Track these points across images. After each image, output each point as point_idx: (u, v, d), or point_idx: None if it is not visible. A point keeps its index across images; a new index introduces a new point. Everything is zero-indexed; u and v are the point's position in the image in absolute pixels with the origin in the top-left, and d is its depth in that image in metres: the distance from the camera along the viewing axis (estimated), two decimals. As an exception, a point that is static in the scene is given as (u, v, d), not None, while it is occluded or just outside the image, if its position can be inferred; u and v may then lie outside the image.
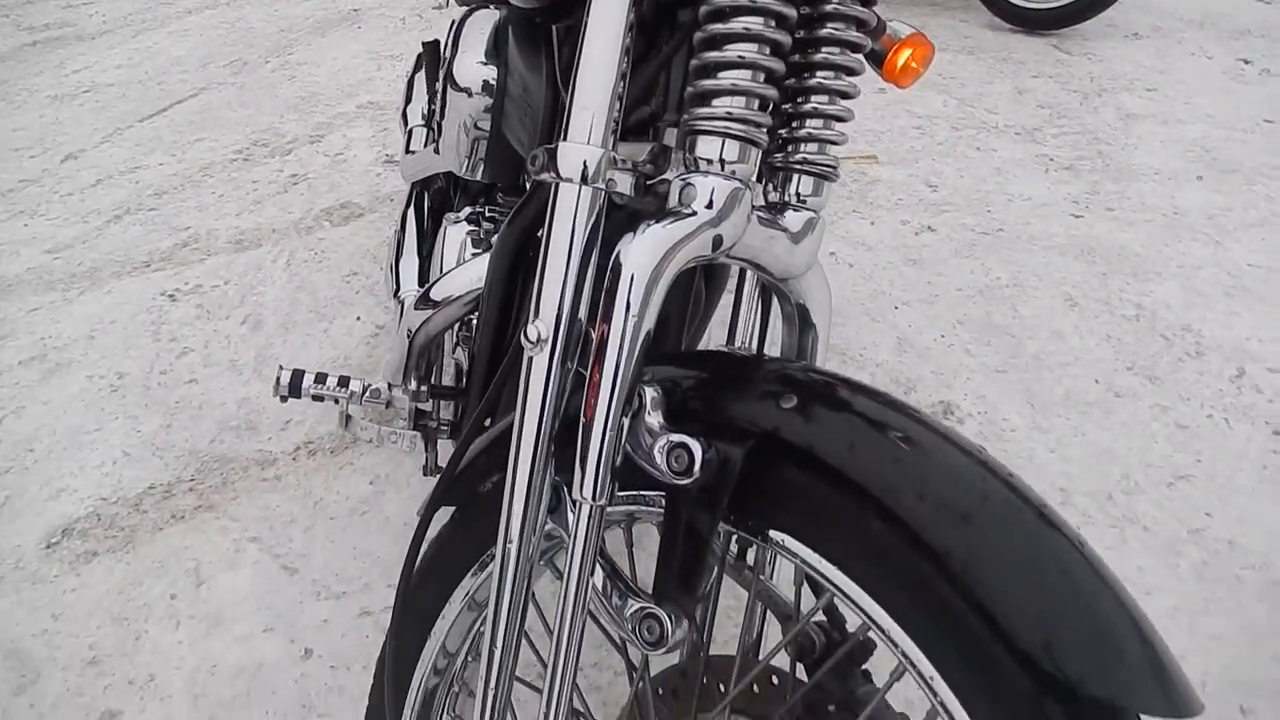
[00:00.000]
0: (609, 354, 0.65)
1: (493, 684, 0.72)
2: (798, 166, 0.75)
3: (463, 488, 0.86)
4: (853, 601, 0.63)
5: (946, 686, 0.58)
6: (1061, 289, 2.07)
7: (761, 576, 0.85)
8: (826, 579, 0.64)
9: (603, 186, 0.68)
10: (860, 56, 0.73)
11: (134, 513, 1.59)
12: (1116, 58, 3.16)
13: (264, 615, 1.42)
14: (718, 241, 0.68)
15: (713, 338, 1.10)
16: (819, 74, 0.71)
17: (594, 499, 0.65)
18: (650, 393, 0.67)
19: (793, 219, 0.76)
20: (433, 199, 1.68)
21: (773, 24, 0.66)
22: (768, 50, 0.66)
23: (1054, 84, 2.98)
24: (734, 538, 0.80)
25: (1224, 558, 1.46)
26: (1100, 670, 0.52)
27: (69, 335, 2.01)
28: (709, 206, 0.67)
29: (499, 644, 0.72)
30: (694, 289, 1.03)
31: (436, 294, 1.15)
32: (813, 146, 0.74)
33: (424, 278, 1.53)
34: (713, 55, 0.67)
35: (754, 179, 0.72)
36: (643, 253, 0.65)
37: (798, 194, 0.76)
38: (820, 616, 0.83)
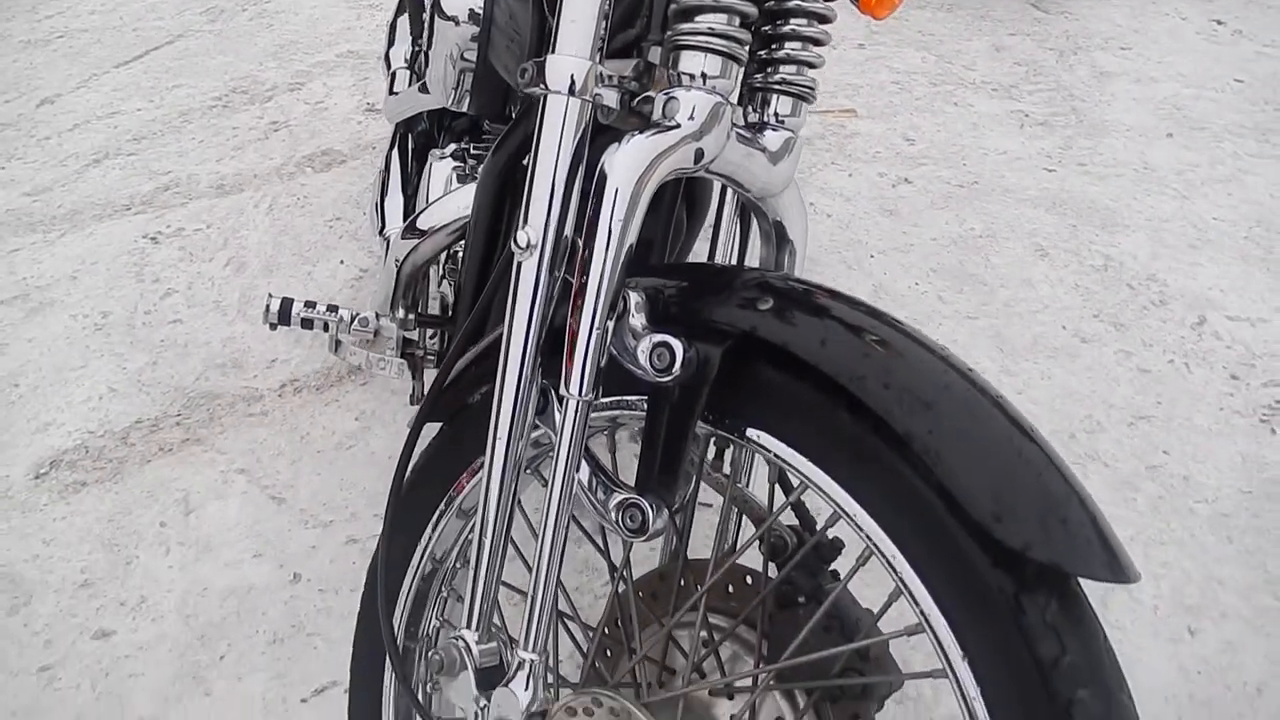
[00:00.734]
0: (595, 257, 0.68)
1: (480, 585, 0.75)
2: (776, 87, 0.78)
3: (452, 400, 0.90)
4: (822, 491, 0.67)
5: (907, 565, 0.63)
6: (1033, 240, 2.12)
7: (738, 484, 0.90)
8: (799, 471, 0.69)
9: (590, 99, 0.71)
10: (837, -21, 0.76)
11: (121, 445, 1.62)
12: (1092, 16, 3.19)
13: (253, 542, 1.46)
14: (699, 155, 0.72)
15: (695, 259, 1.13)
16: (797, -5, 0.75)
17: (580, 394, 0.69)
18: (634, 297, 0.71)
19: (771, 138, 0.79)
20: (416, 140, 1.70)
21: (754, -57, 0.69)
22: (749, -32, 0.70)
23: (1031, 42, 3.01)
24: (711, 441, 0.85)
25: (1179, 492, 1.52)
26: (1046, 538, 0.56)
27: (51, 275, 2.01)
28: (691, 119, 0.70)
29: (488, 544, 0.75)
30: (675, 215, 1.06)
31: (423, 223, 1.17)
32: (791, 68, 0.77)
33: (409, 215, 1.56)
34: (696, -29, 0.70)
35: (734, 98, 0.75)
36: (627, 162, 0.68)
37: (776, 114, 0.80)
38: (793, 520, 0.88)
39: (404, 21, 1.87)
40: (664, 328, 0.69)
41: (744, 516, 0.92)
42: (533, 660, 0.71)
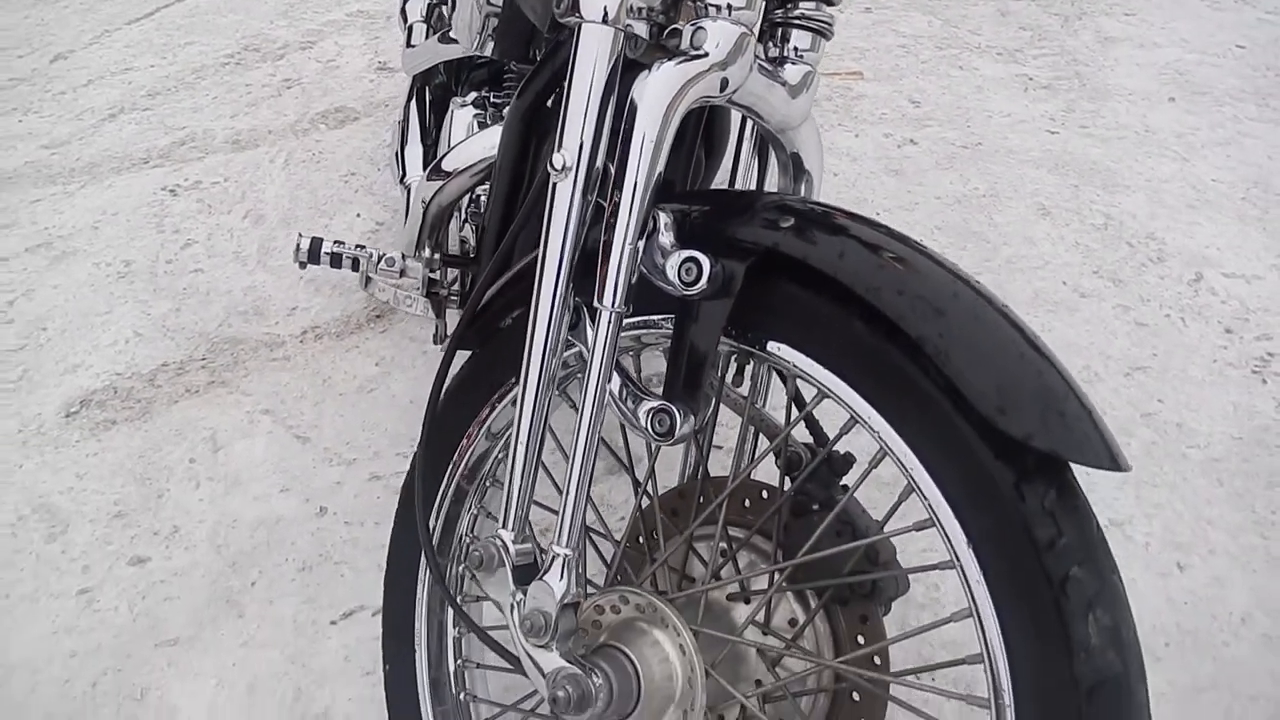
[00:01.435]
0: (628, 176, 0.73)
1: (516, 488, 0.80)
2: (796, 22, 0.83)
3: (484, 326, 0.94)
4: (839, 398, 0.72)
5: (918, 462, 0.68)
6: (1035, 199, 2.16)
7: (754, 405, 0.95)
8: (816, 381, 0.74)
9: (622, 28, 0.75)
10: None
11: (149, 386, 1.67)
12: (1099, -16, 3.20)
13: (279, 478, 1.51)
14: (724, 84, 0.76)
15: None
16: (819, -69, 0.79)
17: (614, 306, 0.74)
18: (663, 216, 0.76)
19: (791, 72, 0.84)
20: (434, 91, 1.74)
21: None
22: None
23: (1036, 7, 3.03)
24: (732, 359, 0.90)
25: (1172, 438, 1.58)
26: (1046, 429, 0.62)
27: (73, 225, 2.05)
28: (717, 48, 0.74)
29: (523, 449, 0.80)
30: (695, 155, 1.10)
31: (448, 165, 1.21)
32: (810, 3, 0.82)
33: (429, 163, 1.60)
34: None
35: (756, 31, 0.79)
36: (658, 87, 0.73)
37: (795, 48, 0.84)
38: (806, 438, 0.94)
39: (420, -24, 1.90)
40: (691, 245, 0.74)
41: (759, 436, 0.97)
42: (567, 555, 0.76)
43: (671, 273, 0.74)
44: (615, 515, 1.41)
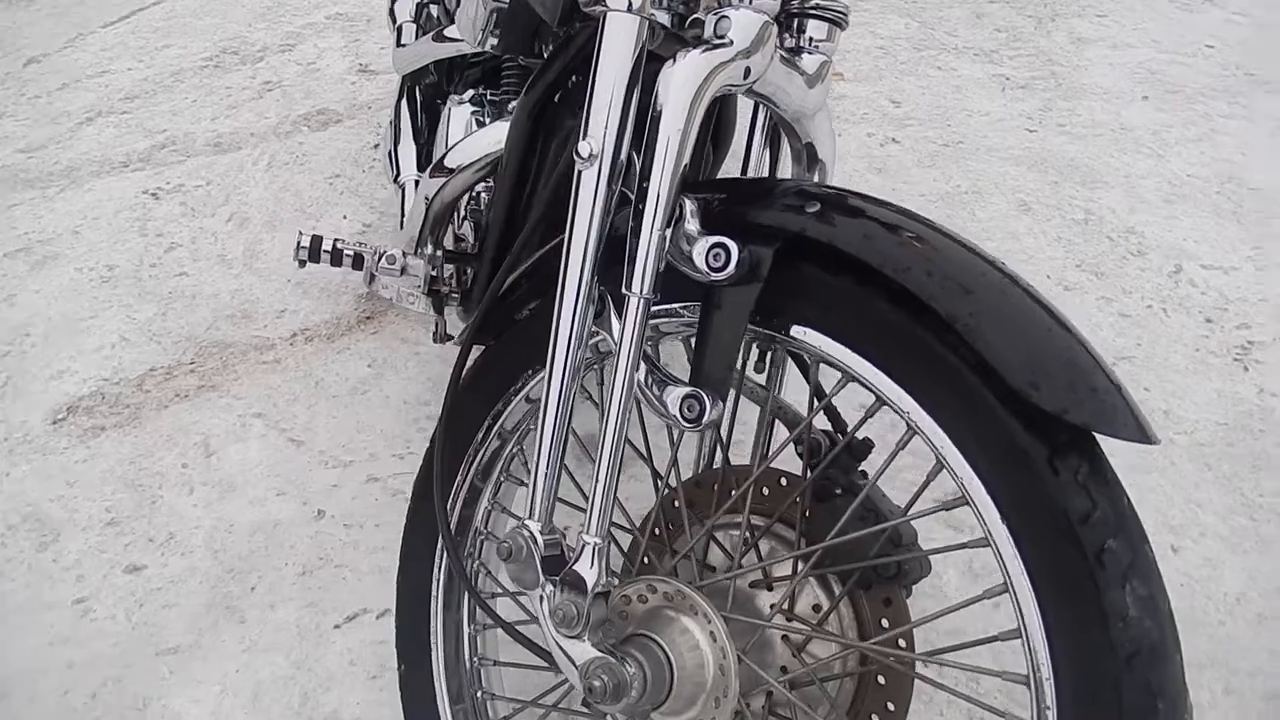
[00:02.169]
0: (656, 164, 0.73)
1: (542, 479, 0.79)
2: (812, 12, 0.84)
3: (501, 317, 0.94)
4: (866, 380, 0.73)
5: (948, 440, 0.69)
6: (1016, 195, 2.19)
7: (774, 394, 0.96)
8: (841, 364, 0.74)
9: (646, 16, 0.75)
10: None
11: (137, 392, 1.64)
12: (1069, -14, 3.27)
13: (275, 481, 1.50)
14: (747, 72, 0.77)
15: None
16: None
17: (642, 293, 0.74)
18: (689, 204, 0.76)
19: (808, 62, 0.85)
20: (425, 91, 1.73)
21: None
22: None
23: (1010, 9, 3.08)
24: (754, 346, 0.90)
25: (1159, 424, 1.61)
26: (1079, 403, 0.63)
27: (53, 230, 2.02)
28: (741, 37, 0.75)
29: (549, 440, 0.79)
30: (704, 150, 1.11)
31: (451, 161, 1.21)
32: (827, -6, 0.83)
33: (422, 162, 1.59)
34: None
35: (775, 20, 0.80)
36: (684, 75, 0.73)
37: (811, 39, 0.85)
38: (825, 425, 0.94)
39: (407, -25, 1.89)
40: (717, 232, 0.74)
41: (775, 426, 0.98)
42: (597, 543, 0.76)
43: (699, 259, 0.74)
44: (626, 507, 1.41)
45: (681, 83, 0.73)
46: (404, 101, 1.71)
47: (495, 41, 1.21)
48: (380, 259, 1.28)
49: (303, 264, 1.28)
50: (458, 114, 1.41)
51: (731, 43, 0.75)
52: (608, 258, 0.78)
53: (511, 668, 1.02)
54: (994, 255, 0.71)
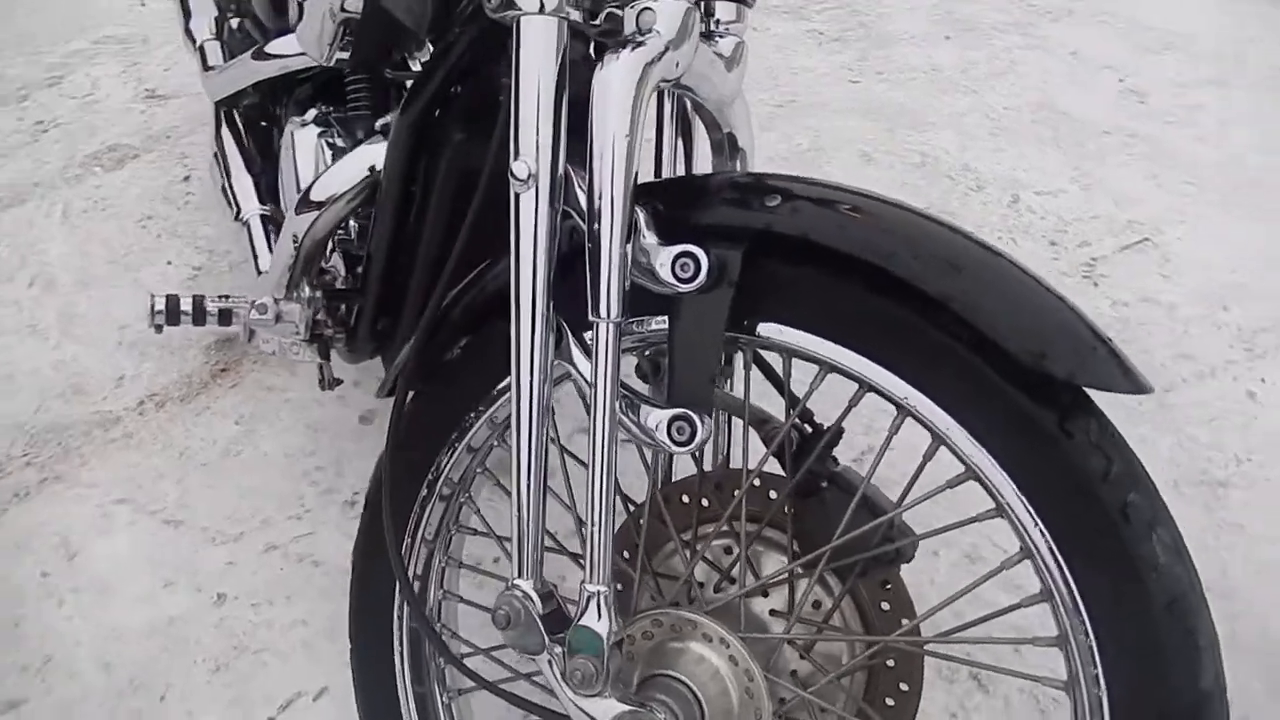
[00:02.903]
0: (602, 177, 0.67)
1: (529, 534, 0.72)
2: (722, -7, 0.79)
3: (430, 360, 0.86)
4: (848, 369, 0.71)
5: (949, 417, 0.68)
6: (856, 146, 2.25)
7: (738, 398, 0.92)
8: (817, 356, 0.71)
9: (563, 16, 0.69)
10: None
11: (-35, 501, 1.42)
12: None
13: (159, 572, 1.33)
14: (677, 64, 0.72)
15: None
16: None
17: (611, 317, 0.68)
18: (642, 214, 0.70)
19: (725, 44, 0.81)
20: (247, 115, 1.57)
21: None
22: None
23: (806, -36, 3.16)
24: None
25: (1034, 349, 1.70)
26: (1085, 366, 0.63)
27: None
28: (667, 28, 0.70)
29: (528, 490, 0.72)
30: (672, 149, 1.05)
31: (319, 193, 1.09)
32: (731, -28, 0.79)
33: (263, 193, 1.44)
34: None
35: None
36: (620, 77, 0.68)
37: (719, 20, 0.81)
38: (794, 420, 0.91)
39: (198, -9, 1.71)
40: (678, 239, 0.69)
41: (732, 423, 0.94)
42: (602, 591, 0.70)
43: (664, 271, 0.69)
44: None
45: (619, 85, 0.67)
46: (224, 130, 1.54)
47: (347, 56, 1.10)
48: (251, 309, 1.14)
49: (159, 329, 1.13)
50: (302, 138, 1.28)
51: (659, 34, 0.69)
52: (558, 283, 0.72)
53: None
54: (964, 227, 0.70)
